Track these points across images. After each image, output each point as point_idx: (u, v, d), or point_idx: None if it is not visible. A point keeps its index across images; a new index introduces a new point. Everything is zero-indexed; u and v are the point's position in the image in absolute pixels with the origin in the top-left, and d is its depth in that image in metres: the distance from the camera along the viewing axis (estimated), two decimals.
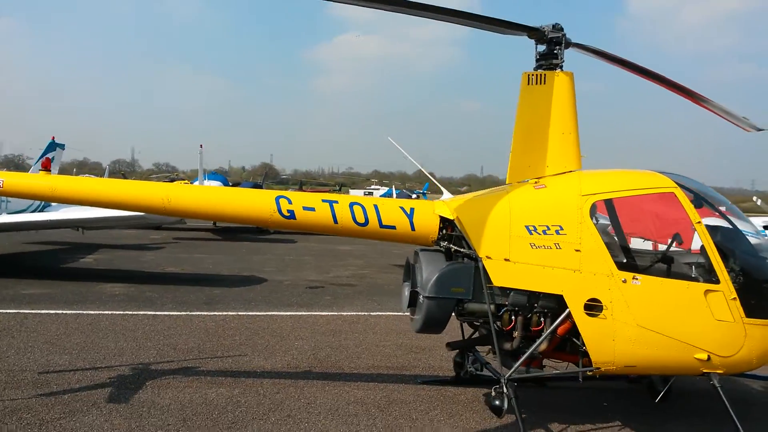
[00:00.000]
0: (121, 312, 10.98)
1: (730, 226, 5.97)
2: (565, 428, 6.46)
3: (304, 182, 67.44)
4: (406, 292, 6.56)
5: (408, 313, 6.47)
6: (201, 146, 25.46)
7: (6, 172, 7.33)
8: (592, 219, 5.74)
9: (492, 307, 5.81)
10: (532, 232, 5.75)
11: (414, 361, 8.76)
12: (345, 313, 11.79)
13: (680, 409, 7.13)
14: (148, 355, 8.32)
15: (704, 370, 5.74)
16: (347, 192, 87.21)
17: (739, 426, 5.51)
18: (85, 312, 10.91)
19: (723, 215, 6.05)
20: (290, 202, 6.14)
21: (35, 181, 6.49)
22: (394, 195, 63.77)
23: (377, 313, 12.01)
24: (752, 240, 6.02)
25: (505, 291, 5.83)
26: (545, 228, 5.73)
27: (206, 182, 26.30)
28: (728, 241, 5.84)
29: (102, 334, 9.35)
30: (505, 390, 5.59)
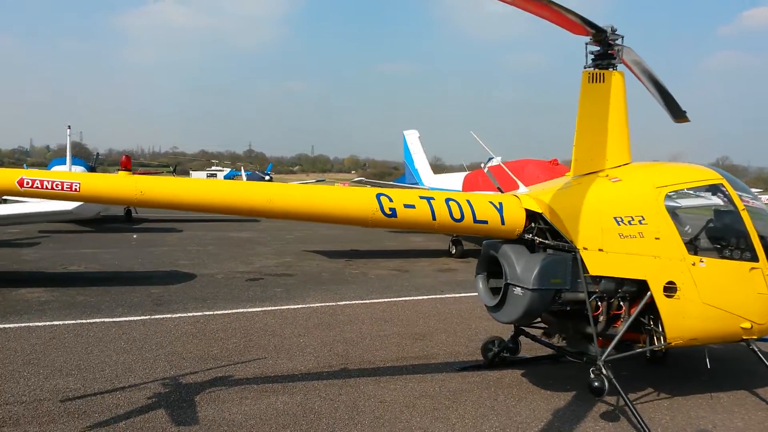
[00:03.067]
0: (76, 321, 9.68)
1: (760, 211, 6.96)
2: (618, 398, 7.08)
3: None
4: (481, 284, 6.74)
5: (488, 304, 6.63)
6: (69, 127, 22.50)
7: (84, 173, 6.11)
8: (666, 209, 6.36)
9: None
10: (620, 223, 6.22)
11: (427, 348, 8.90)
12: (315, 305, 11.52)
13: (677, 368, 8.15)
14: (162, 368, 7.51)
15: (744, 337, 6.70)
16: (188, 175, 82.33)
17: None
18: (30, 324, 9.44)
19: (753, 201, 7.00)
20: (391, 200, 5.96)
21: (119, 183, 5.45)
22: (244, 177, 61.87)
23: (345, 302, 11.88)
24: (764, 220, 7.03)
25: (596, 279, 6.25)
26: (630, 219, 6.23)
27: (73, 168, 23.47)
28: (762, 223, 6.80)
29: (82, 349, 8.20)
30: (603, 371, 6.02)
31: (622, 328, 6.31)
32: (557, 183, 6.94)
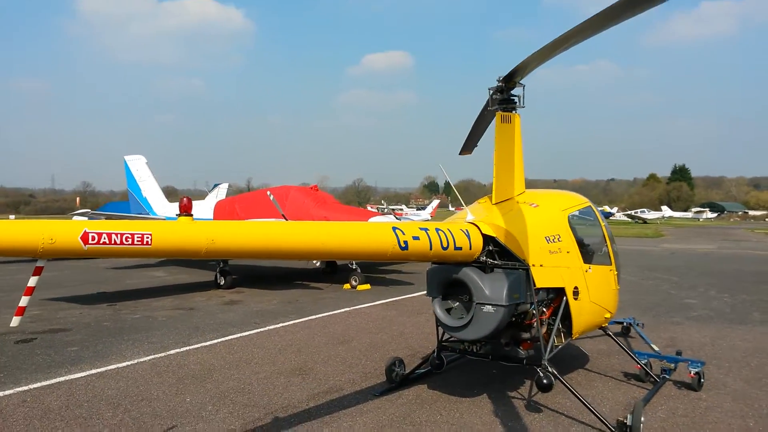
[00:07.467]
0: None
1: (608, 225, 8.91)
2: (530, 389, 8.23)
3: None
4: (439, 307, 7.14)
5: (454, 325, 7.03)
6: None
7: (157, 220, 4.08)
8: (570, 227, 7.76)
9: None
10: (549, 241, 7.39)
11: (324, 383, 8.76)
12: (146, 359, 10.00)
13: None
14: None
15: (604, 324, 8.57)
16: None
17: (629, 351, 8.55)
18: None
19: (603, 218, 8.91)
20: (403, 233, 5.97)
21: (188, 230, 4.06)
22: None
23: (175, 351, 10.59)
24: (610, 232, 9.06)
25: (537, 291, 7.25)
26: (553, 237, 7.46)
27: None
28: (610, 235, 8.75)
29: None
30: (549, 369, 7.04)
31: (552, 329, 7.45)
32: (494, 209, 7.67)
